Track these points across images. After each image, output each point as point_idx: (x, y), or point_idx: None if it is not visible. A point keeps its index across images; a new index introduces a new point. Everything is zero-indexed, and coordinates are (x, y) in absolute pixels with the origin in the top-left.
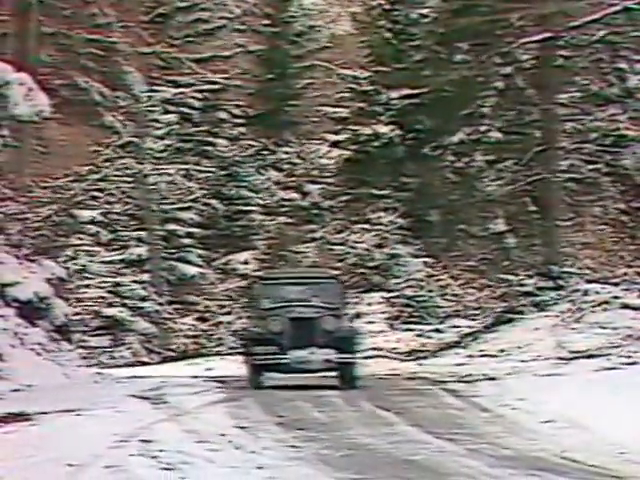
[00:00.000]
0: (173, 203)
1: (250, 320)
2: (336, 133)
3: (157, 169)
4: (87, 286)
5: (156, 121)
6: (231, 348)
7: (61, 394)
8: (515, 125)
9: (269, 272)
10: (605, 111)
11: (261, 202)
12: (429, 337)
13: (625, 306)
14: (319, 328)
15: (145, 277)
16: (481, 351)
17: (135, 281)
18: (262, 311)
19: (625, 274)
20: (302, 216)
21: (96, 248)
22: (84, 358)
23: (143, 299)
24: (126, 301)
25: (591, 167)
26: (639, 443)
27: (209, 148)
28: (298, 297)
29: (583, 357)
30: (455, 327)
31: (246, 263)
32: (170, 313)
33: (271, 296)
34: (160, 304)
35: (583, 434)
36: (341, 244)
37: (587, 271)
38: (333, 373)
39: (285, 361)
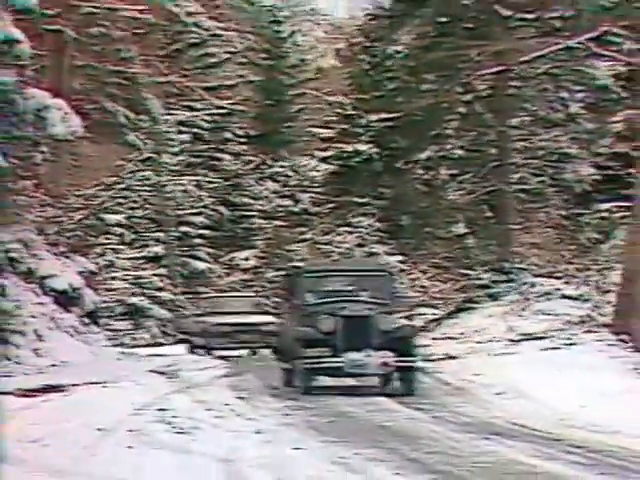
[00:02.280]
0: (186, 209)
1: (288, 316)
2: (323, 150)
3: (172, 180)
4: (113, 278)
5: (172, 140)
6: None
7: (90, 369)
8: (474, 144)
9: (310, 263)
10: (550, 132)
11: (260, 208)
12: None
13: (565, 296)
14: (374, 327)
15: (162, 271)
16: (444, 334)
17: (154, 274)
18: (306, 307)
19: (566, 270)
20: (295, 220)
21: (121, 246)
22: (109, 339)
23: (160, 289)
24: (146, 291)
25: (538, 179)
26: (576, 411)
27: (216, 162)
28: (346, 292)
29: (530, 339)
30: (422, 314)
31: (247, 259)
32: (182, 302)
33: (315, 290)
34: (174, 294)
35: (530, 404)
36: (327, 244)
37: (534, 267)
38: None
39: (339, 364)
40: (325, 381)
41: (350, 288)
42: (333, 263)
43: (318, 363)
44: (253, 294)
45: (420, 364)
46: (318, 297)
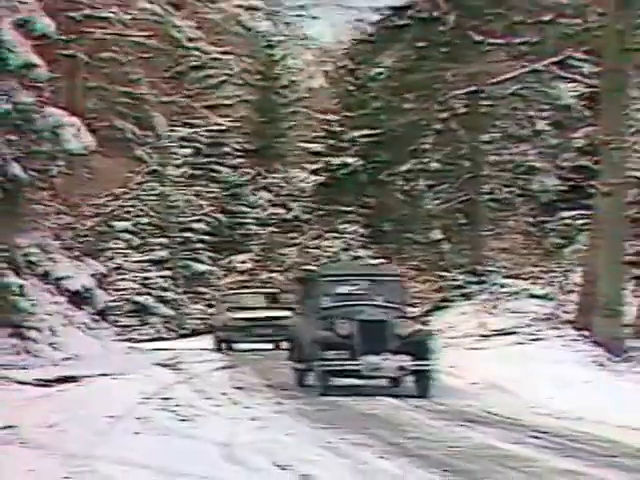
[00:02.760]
0: (188, 216)
1: (302, 318)
2: (313, 163)
3: (176, 190)
4: (122, 280)
5: (175, 154)
6: None
7: (100, 362)
8: (450, 158)
9: (324, 266)
10: (519, 147)
11: (255, 215)
12: None
13: (532, 296)
14: (390, 331)
15: (166, 273)
16: None
17: (158, 276)
18: (323, 310)
19: (532, 271)
20: (286, 226)
21: (128, 250)
22: (118, 334)
23: (164, 290)
24: (151, 291)
25: (507, 190)
26: (544, 400)
27: (216, 174)
28: (361, 296)
29: (500, 334)
30: None
31: (244, 262)
32: (185, 301)
33: (330, 294)
34: (177, 293)
35: (501, 393)
36: (316, 248)
37: (503, 269)
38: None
39: (357, 367)
40: (341, 382)
41: (365, 292)
42: (347, 267)
43: (337, 365)
44: (274, 290)
45: (435, 367)
46: (333, 300)
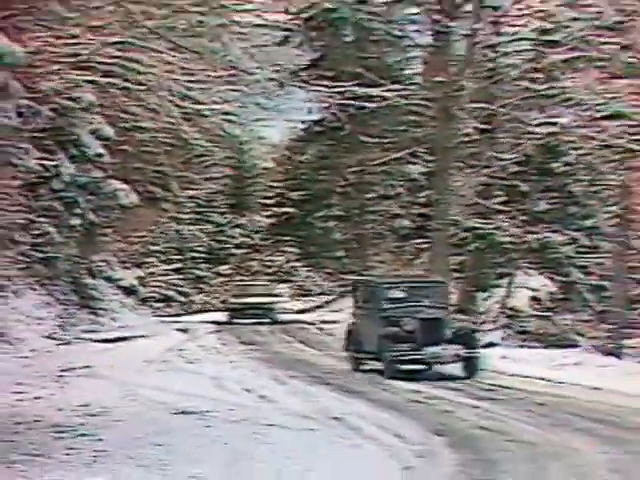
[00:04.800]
0: (193, 243)
1: (362, 318)
2: (267, 211)
3: (185, 228)
4: (154, 280)
5: (185, 206)
6: (218, 309)
7: (141, 329)
8: (347, 209)
9: (381, 277)
10: (387, 201)
11: (232, 242)
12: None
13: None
14: (444, 326)
15: (180, 276)
16: (330, 310)
17: (176, 278)
18: (383, 311)
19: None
20: (251, 249)
21: (158, 263)
22: (152, 312)
23: (180, 286)
24: (171, 287)
25: (381, 227)
26: None
27: (210, 218)
28: (414, 299)
29: None
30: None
31: (225, 270)
32: (191, 293)
33: (388, 298)
34: (187, 288)
35: None
36: (269, 261)
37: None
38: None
39: (421, 356)
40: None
41: (415, 296)
42: (398, 276)
43: (405, 355)
44: (267, 282)
45: (481, 354)
46: (392, 303)
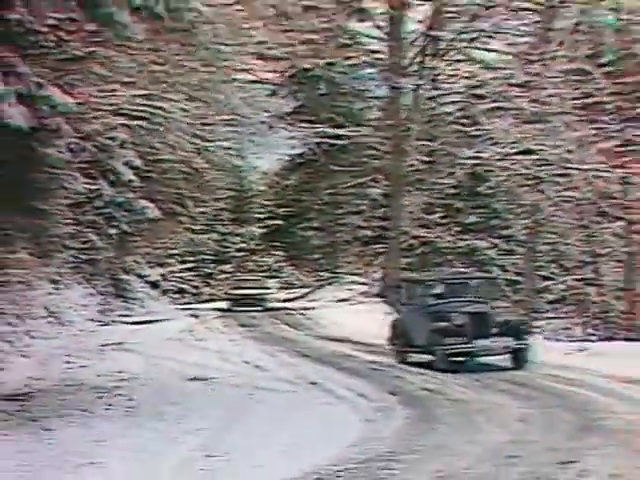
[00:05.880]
0: (203, 248)
1: (409, 313)
2: (260, 223)
3: (198, 236)
4: (173, 277)
5: (196, 220)
6: (222, 299)
7: (162, 314)
8: (323, 221)
9: (423, 275)
10: (351, 218)
11: (234, 247)
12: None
13: (357, 282)
14: (492, 320)
15: (193, 274)
16: (310, 300)
17: (190, 276)
18: (431, 306)
19: (361, 271)
20: (247, 252)
21: (176, 263)
22: (170, 302)
23: (193, 281)
24: (186, 282)
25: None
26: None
27: (216, 228)
28: (464, 294)
29: (342, 301)
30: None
31: (228, 268)
32: (201, 287)
33: (434, 294)
34: (199, 283)
35: (343, 328)
36: (262, 262)
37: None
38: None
39: (472, 349)
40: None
41: (460, 291)
42: (444, 273)
43: (456, 348)
44: (260, 278)
45: (529, 345)
46: (439, 298)
